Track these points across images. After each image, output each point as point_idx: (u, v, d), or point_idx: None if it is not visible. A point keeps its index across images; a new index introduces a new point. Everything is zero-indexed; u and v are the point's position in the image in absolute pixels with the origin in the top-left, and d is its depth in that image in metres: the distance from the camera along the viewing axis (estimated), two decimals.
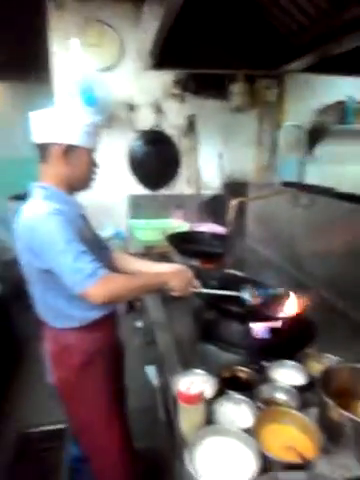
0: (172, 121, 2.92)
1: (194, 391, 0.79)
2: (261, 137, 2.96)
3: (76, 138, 1.13)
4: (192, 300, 1.43)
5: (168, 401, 1.05)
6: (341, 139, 3.00)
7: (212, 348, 1.27)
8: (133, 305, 2.88)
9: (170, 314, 1.50)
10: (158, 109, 2.86)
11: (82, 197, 1.30)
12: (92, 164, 1.23)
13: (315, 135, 2.97)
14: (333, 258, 1.55)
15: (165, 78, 2.80)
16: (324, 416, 0.83)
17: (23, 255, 1.15)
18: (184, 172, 3.05)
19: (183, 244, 2.17)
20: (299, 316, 1.29)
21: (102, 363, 1.27)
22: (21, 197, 2.96)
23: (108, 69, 2.78)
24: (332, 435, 0.81)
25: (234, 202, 1.59)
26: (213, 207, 2.99)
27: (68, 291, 1.08)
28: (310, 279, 1.67)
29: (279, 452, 0.76)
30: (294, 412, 0.84)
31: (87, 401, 1.27)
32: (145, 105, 2.84)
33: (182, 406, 0.81)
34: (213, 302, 1.35)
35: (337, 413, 0.79)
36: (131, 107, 2.82)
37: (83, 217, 1.28)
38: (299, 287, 1.64)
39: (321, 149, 3.00)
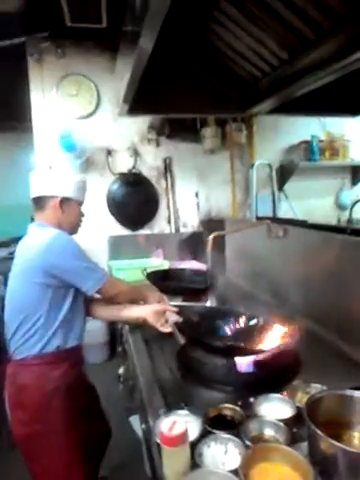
0: (149, 163, 3.03)
1: (177, 431, 0.75)
2: (234, 176, 3.09)
3: (70, 192, 1.38)
4: (175, 340, 1.40)
5: (152, 450, 0.99)
6: (307, 175, 3.18)
7: (197, 387, 1.23)
8: (115, 350, 2.79)
9: (153, 356, 1.45)
10: (135, 153, 2.97)
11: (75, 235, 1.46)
12: (80, 214, 1.48)
13: (284, 172, 3.14)
14: (309, 286, 1.58)
15: (141, 124, 2.95)
16: (314, 449, 0.80)
17: (29, 275, 1.26)
18: (163, 212, 3.11)
19: (164, 282, 2.17)
20: (284, 347, 1.27)
21: (61, 403, 1.23)
22: (6, 244, 2.89)
23: (86, 117, 2.91)
24: (324, 469, 0.78)
25: (210, 237, 1.62)
26: (192, 244, 3.03)
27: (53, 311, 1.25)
28: (289, 308, 1.67)
29: None
30: (283, 448, 0.80)
31: (47, 446, 1.22)
32: (122, 149, 2.96)
33: (165, 449, 0.76)
34: (196, 339, 1.33)
35: (327, 444, 0.76)
36: (109, 152, 2.93)
37: None
38: (279, 317, 1.64)
39: (290, 185, 3.16)
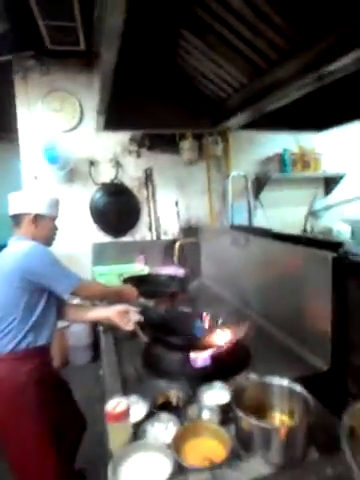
0: (130, 174, 3.18)
1: (119, 409, 0.90)
2: (211, 186, 3.26)
3: (42, 209, 1.54)
4: (142, 340, 1.54)
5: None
6: (282, 186, 3.35)
7: (156, 380, 1.36)
8: (99, 353, 2.91)
9: (121, 354, 1.59)
10: (117, 164, 3.12)
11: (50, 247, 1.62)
12: (54, 228, 1.64)
13: (259, 183, 3.31)
14: (266, 289, 1.73)
15: (122, 136, 3.10)
16: (238, 427, 0.95)
17: (8, 281, 1.41)
18: (144, 219, 3.26)
19: (140, 286, 2.30)
20: (235, 344, 1.42)
21: (31, 394, 1.36)
22: None
23: (70, 130, 3.05)
24: (245, 443, 0.92)
25: (176, 244, 1.76)
26: (173, 251, 3.18)
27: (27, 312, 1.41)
28: (250, 310, 1.83)
29: (196, 461, 0.86)
30: (211, 425, 0.95)
31: (19, 433, 1.34)
32: (105, 161, 3.11)
33: (110, 425, 0.90)
34: (155, 337, 1.47)
35: (247, 422, 0.91)
36: (92, 163, 3.08)
37: None
38: (241, 317, 1.79)
39: (266, 195, 3.33)
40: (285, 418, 1.00)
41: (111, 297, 1.75)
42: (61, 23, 2.04)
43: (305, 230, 2.10)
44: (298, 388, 0.96)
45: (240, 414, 0.91)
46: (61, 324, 2.89)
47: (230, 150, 3.26)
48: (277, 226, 3.08)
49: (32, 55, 2.77)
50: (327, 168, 3.45)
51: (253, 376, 1.12)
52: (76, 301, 1.91)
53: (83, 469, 1.73)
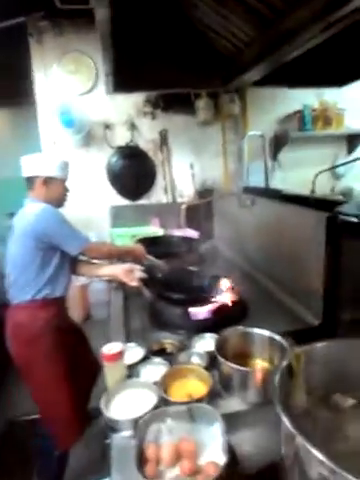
0: (146, 136, 3.18)
1: (113, 351, 1.01)
2: (226, 147, 3.20)
3: (52, 171, 1.63)
4: (145, 295, 1.65)
5: None
6: (302, 145, 3.23)
7: (159, 333, 1.48)
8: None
9: (129, 309, 1.71)
10: (132, 126, 3.13)
11: (69, 209, 1.77)
12: (65, 190, 1.73)
13: (277, 143, 3.22)
14: (268, 250, 1.77)
15: (136, 98, 3.08)
16: (220, 371, 1.04)
17: (24, 240, 1.54)
18: (160, 182, 3.30)
19: (152, 247, 2.40)
20: (234, 301, 1.50)
21: (48, 338, 1.55)
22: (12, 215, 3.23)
23: (86, 93, 3.06)
24: (225, 385, 1.02)
25: (183, 207, 1.81)
26: (188, 213, 3.22)
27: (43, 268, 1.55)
28: (254, 269, 1.89)
29: (179, 398, 0.97)
30: (196, 367, 1.05)
31: (38, 370, 1.54)
32: (120, 123, 3.12)
33: (105, 364, 1.02)
34: (158, 293, 1.57)
35: (227, 366, 1.00)
36: (107, 126, 3.10)
37: None
38: (244, 276, 1.86)
39: (284, 155, 3.23)
40: (265, 364, 1.08)
41: (120, 256, 1.86)
42: None
43: (313, 191, 2.06)
44: (277, 337, 1.03)
45: (220, 359, 1.00)
46: (82, 281, 3.10)
47: (247, 109, 3.16)
48: (296, 188, 3.03)
49: (44, 16, 2.74)
50: (350, 124, 3.27)
51: (239, 328, 1.20)
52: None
53: (98, 409, 1.94)
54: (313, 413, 0.70)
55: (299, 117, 3.16)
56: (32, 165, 1.63)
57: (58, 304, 1.65)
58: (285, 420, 0.52)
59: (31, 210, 1.57)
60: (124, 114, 3.11)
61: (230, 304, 1.47)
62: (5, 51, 3.02)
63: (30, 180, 1.65)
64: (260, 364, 1.09)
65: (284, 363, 0.68)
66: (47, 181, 1.63)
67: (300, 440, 0.51)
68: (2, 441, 1.96)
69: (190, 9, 1.91)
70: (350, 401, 0.78)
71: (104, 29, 1.49)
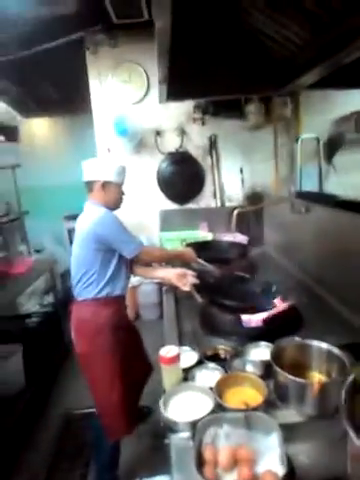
0: (195, 142, 3.23)
1: (170, 354, 1.05)
2: (277, 151, 3.15)
3: (109, 176, 1.70)
4: (197, 300, 1.68)
5: None
6: (358, 148, 3.08)
7: (211, 338, 1.50)
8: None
9: (181, 312, 1.76)
10: (182, 132, 3.19)
11: (121, 213, 1.82)
12: (121, 193, 1.80)
13: (333, 146, 3.09)
14: (324, 259, 1.72)
15: (187, 105, 3.14)
16: (276, 381, 1.04)
17: (86, 243, 1.65)
18: (208, 187, 3.33)
19: (201, 251, 2.43)
20: (288, 309, 1.48)
21: (109, 334, 1.64)
22: (73, 217, 3.45)
23: (138, 101, 3.18)
24: (281, 395, 1.02)
25: (235, 212, 1.82)
26: (237, 218, 3.21)
27: (103, 268, 1.65)
28: (308, 277, 1.84)
29: (234, 405, 0.99)
30: (251, 376, 1.06)
31: (97, 363, 1.64)
32: (170, 130, 3.20)
33: (162, 366, 1.07)
34: (210, 299, 1.59)
35: (283, 376, 1.00)
36: (158, 132, 3.19)
37: None
38: (297, 285, 1.83)
39: (339, 159, 3.10)
40: (322, 377, 1.06)
41: (171, 259, 1.92)
42: None
43: None
44: (336, 350, 1.01)
45: (277, 369, 1.00)
46: (133, 282, 3.22)
47: (300, 111, 3.09)
48: (352, 192, 2.90)
49: (100, 30, 2.89)
50: None
51: (297, 338, 1.18)
52: None
53: (148, 407, 2.02)
54: None
55: (356, 118, 3.01)
56: (92, 170, 1.72)
57: (118, 302, 1.75)
58: (353, 438, 0.52)
59: (92, 215, 1.67)
60: (175, 121, 3.19)
61: (284, 313, 1.46)
62: (63, 63, 3.25)
63: (89, 184, 1.74)
64: (317, 377, 1.07)
65: (350, 378, 0.68)
66: (105, 185, 1.71)
67: None
68: (61, 432, 2.10)
69: (244, 15, 1.91)
70: None
71: (162, 38, 1.53)
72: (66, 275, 1.93)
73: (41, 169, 4.76)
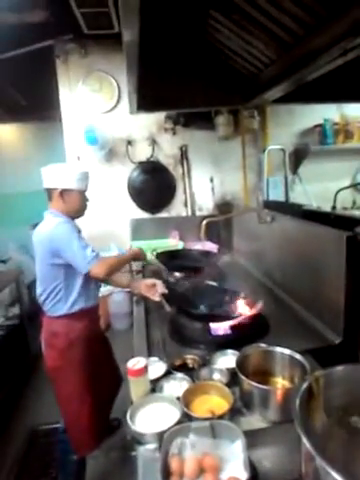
0: (166, 152, 3.27)
1: (138, 367, 1.05)
2: (247, 161, 3.24)
3: (69, 183, 1.60)
4: (166, 310, 1.69)
5: None
6: (323, 159, 3.24)
7: (180, 347, 1.51)
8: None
9: (150, 322, 1.75)
10: (153, 142, 3.22)
11: (90, 223, 1.77)
12: (84, 200, 1.69)
13: (298, 156, 3.23)
14: (288, 266, 1.78)
15: (158, 115, 3.17)
16: (241, 388, 1.07)
17: (43, 257, 1.56)
18: (180, 196, 3.37)
19: (171, 261, 2.45)
20: (255, 316, 1.52)
21: (81, 347, 1.60)
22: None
23: (109, 111, 3.19)
24: (246, 402, 1.05)
25: (203, 222, 1.86)
26: (207, 227, 3.26)
27: (70, 282, 1.58)
28: (274, 285, 1.90)
29: (201, 413, 1.00)
30: (217, 384, 1.08)
31: (67, 378, 1.60)
32: (141, 139, 3.22)
33: (130, 378, 1.07)
34: (178, 307, 1.61)
35: (247, 384, 1.03)
36: (129, 142, 3.20)
37: (80, 232, 1.69)
38: (264, 292, 1.88)
39: (304, 169, 3.25)
40: (286, 383, 1.09)
41: (128, 262, 1.91)
42: (95, 10, 2.12)
43: (334, 207, 2.07)
44: (297, 356, 1.05)
45: (242, 376, 1.03)
46: (103, 292, 3.18)
47: (267, 123, 3.20)
48: (317, 201, 3.03)
49: (71, 39, 2.89)
50: None
51: (261, 345, 1.22)
52: None
53: (118, 419, 1.99)
54: (332, 434, 0.72)
55: (319, 131, 3.17)
56: (50, 176, 1.60)
57: (91, 313, 1.71)
58: (305, 441, 0.54)
59: (46, 227, 1.58)
60: (146, 130, 3.22)
61: (251, 320, 1.50)
62: (33, 70, 3.20)
63: (48, 192, 1.64)
64: (280, 383, 1.10)
65: (304, 385, 0.71)
66: (64, 193, 1.60)
67: (320, 461, 0.54)
68: (26, 447, 2.03)
69: (211, 31, 1.98)
70: None
71: (130, 51, 1.55)
72: (33, 286, 1.87)
73: (8, 176, 4.63)
